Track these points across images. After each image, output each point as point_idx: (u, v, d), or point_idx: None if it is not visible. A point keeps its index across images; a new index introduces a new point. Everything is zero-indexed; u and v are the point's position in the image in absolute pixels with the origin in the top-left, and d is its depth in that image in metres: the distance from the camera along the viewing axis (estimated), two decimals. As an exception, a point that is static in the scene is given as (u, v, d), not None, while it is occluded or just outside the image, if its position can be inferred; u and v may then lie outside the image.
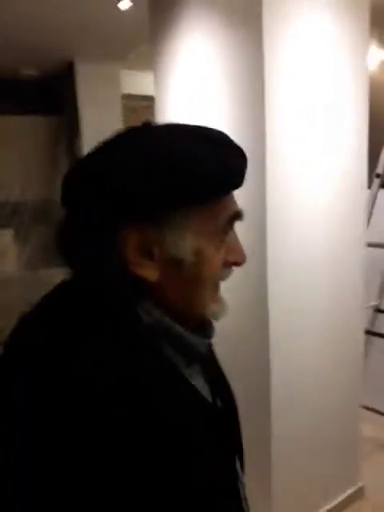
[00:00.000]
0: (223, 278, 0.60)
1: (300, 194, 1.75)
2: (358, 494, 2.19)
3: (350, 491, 2.15)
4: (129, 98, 3.84)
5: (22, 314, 0.57)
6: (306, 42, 1.68)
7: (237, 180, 0.56)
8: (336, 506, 2.08)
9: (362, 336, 2.13)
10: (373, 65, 3.34)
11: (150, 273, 0.54)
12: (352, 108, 1.86)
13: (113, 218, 0.52)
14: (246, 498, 0.69)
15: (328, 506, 2.05)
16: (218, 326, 0.64)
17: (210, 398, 0.62)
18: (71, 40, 3.15)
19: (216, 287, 0.59)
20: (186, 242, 0.53)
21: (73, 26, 2.94)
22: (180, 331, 0.56)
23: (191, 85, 1.98)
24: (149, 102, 4.87)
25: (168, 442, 0.50)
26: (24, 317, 0.56)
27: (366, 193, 2.03)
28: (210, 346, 0.65)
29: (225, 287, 0.62)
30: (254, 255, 1.70)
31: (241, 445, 0.71)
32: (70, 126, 3.64)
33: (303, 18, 1.66)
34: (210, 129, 0.57)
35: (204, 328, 0.61)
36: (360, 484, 2.20)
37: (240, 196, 0.62)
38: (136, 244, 0.52)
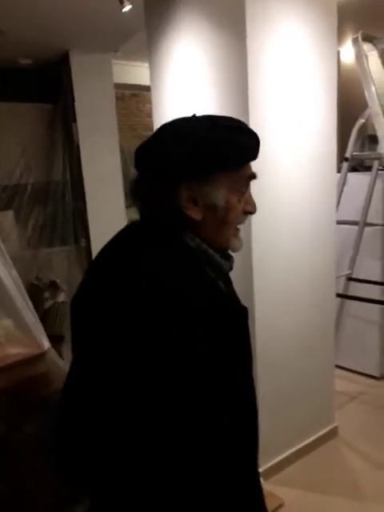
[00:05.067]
0: (242, 222, 0.90)
1: (282, 177, 2.06)
2: (333, 433, 2.56)
3: (325, 430, 2.51)
4: (116, 86, 4.04)
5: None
6: (283, 42, 1.97)
7: (252, 155, 0.87)
8: (313, 441, 2.44)
9: (333, 299, 2.47)
10: (348, 58, 3.63)
11: (195, 214, 0.83)
12: (323, 99, 2.17)
13: (174, 179, 0.82)
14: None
15: (306, 441, 2.41)
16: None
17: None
18: (67, 32, 3.33)
19: (237, 228, 0.90)
20: (219, 194, 0.83)
21: (69, 18, 3.11)
22: (212, 253, 0.86)
23: (184, 77, 2.25)
24: (135, 90, 5.08)
25: (210, 328, 0.77)
26: (109, 241, 0.87)
27: (335, 176, 2.34)
28: (230, 269, 0.94)
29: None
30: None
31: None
32: (66, 113, 3.84)
33: (281, 20, 1.95)
34: (235, 119, 0.88)
35: (227, 256, 0.91)
36: (334, 424, 2.57)
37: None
38: (187, 195, 0.82)
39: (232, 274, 0.98)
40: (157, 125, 2.52)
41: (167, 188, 0.82)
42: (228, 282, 0.96)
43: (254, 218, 1.96)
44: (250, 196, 0.90)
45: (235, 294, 1.00)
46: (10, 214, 3.82)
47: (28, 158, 3.83)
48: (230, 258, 0.92)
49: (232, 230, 0.87)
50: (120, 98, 4.79)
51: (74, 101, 3.69)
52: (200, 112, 2.17)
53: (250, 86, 1.88)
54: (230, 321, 0.83)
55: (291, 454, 2.34)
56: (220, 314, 0.81)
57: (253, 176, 0.89)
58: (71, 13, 3.00)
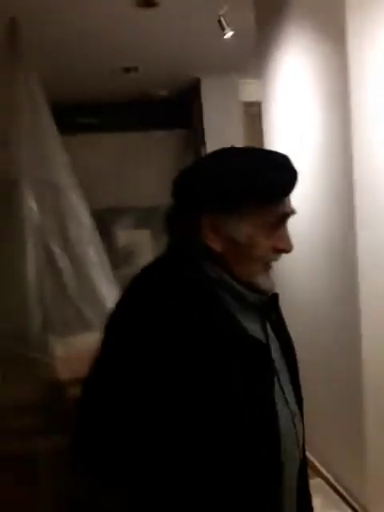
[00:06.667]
0: (274, 259, 0.86)
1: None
2: None
3: None
4: (249, 105, 4.10)
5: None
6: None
7: (283, 191, 0.82)
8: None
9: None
10: None
11: (216, 245, 0.81)
12: None
13: (198, 210, 0.82)
14: (296, 428, 0.87)
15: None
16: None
17: (260, 337, 0.85)
18: (196, 61, 3.55)
19: (266, 265, 0.85)
20: (240, 229, 0.81)
21: (198, 48, 3.32)
22: (232, 282, 0.82)
23: (291, 92, 2.22)
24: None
25: (206, 353, 0.76)
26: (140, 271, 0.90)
27: None
28: (266, 303, 0.88)
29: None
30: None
31: (299, 387, 0.92)
32: (197, 137, 4.07)
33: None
34: (273, 152, 0.87)
35: (261, 291, 0.85)
36: None
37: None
38: (209, 225, 0.81)
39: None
40: (267, 140, 2.51)
41: (190, 216, 0.83)
42: (267, 314, 0.90)
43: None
44: (285, 233, 0.85)
45: (286, 332, 0.94)
46: (147, 232, 4.17)
47: (163, 182, 4.12)
48: (263, 293, 0.86)
49: (257, 265, 0.83)
50: (253, 116, 4.84)
51: (203, 125, 3.88)
52: (305, 127, 2.08)
53: (352, 98, 1.76)
54: (236, 352, 0.79)
55: None
56: (225, 344, 0.78)
57: (288, 214, 0.84)
58: (196, 43, 3.20)
